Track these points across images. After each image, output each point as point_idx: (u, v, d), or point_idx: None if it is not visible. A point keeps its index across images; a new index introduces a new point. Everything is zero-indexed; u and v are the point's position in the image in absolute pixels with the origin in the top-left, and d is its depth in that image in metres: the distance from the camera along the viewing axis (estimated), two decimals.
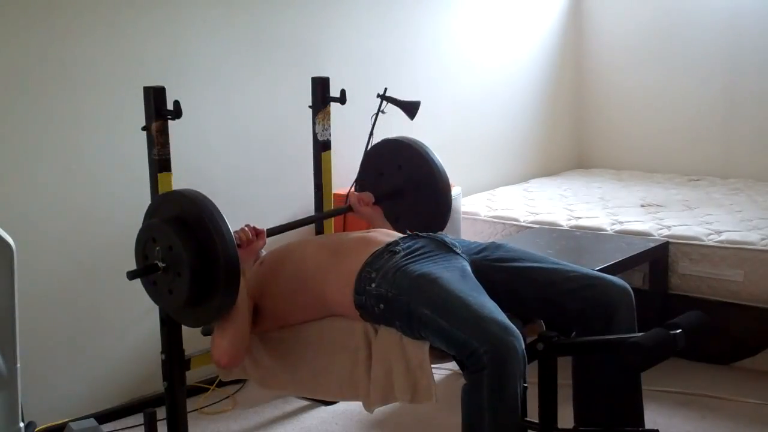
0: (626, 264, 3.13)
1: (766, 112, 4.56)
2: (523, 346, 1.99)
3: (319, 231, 3.02)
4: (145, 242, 2.27)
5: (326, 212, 2.96)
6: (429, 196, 2.80)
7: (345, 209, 2.87)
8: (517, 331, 2.00)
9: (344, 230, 3.18)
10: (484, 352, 1.95)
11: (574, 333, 2.28)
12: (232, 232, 2.19)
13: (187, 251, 2.14)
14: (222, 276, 2.14)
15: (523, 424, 2.05)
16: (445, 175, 2.82)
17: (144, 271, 2.25)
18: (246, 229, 2.41)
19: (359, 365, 2.25)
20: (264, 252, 2.53)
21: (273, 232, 2.58)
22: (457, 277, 2.16)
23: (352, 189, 2.96)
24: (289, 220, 2.86)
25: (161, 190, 2.39)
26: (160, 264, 2.20)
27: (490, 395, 1.96)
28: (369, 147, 2.98)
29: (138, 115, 2.46)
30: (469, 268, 2.26)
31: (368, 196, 2.81)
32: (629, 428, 2.26)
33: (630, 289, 2.29)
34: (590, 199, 4.21)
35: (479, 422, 1.98)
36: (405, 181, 2.83)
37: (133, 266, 2.28)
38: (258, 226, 2.46)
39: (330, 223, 3.02)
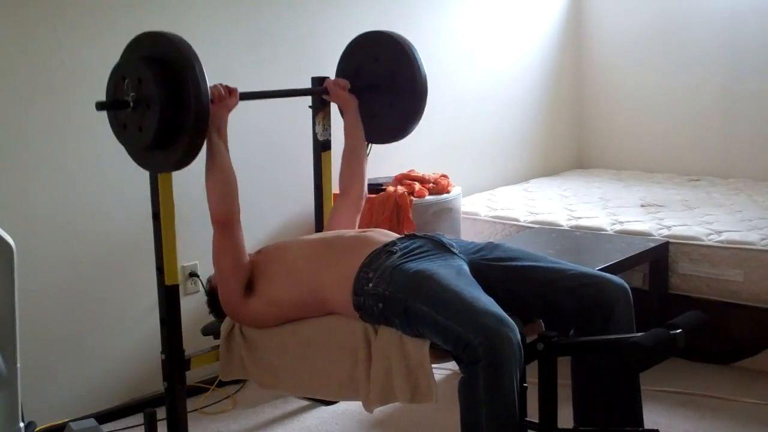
0: (626, 264, 3.13)
1: (766, 112, 4.56)
2: (519, 338, 1.99)
3: (319, 229, 3.01)
4: (116, 82, 2.25)
5: (303, 89, 2.91)
6: (406, 90, 2.80)
7: (320, 90, 2.85)
8: (512, 323, 2.00)
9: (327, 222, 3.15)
10: (479, 343, 1.96)
11: (572, 332, 2.28)
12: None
13: (157, 84, 2.13)
14: (192, 112, 2.14)
15: (523, 423, 2.05)
16: (423, 68, 2.80)
17: (113, 104, 2.24)
18: (218, 85, 2.41)
19: (359, 365, 2.25)
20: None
21: (245, 96, 2.54)
22: (453, 274, 2.17)
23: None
24: (289, 220, 2.86)
25: (161, 189, 2.39)
26: (130, 98, 2.18)
27: (487, 387, 1.96)
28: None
29: None
30: (466, 268, 2.27)
31: (344, 82, 2.82)
32: (629, 428, 2.26)
33: (628, 287, 2.29)
34: (590, 199, 4.22)
35: (477, 415, 1.98)
36: (383, 76, 2.83)
37: (133, 266, 2.29)
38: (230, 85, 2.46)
39: (329, 213, 2.98)
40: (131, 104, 2.21)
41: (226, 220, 2.37)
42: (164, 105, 2.15)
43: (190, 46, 2.20)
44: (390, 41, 2.84)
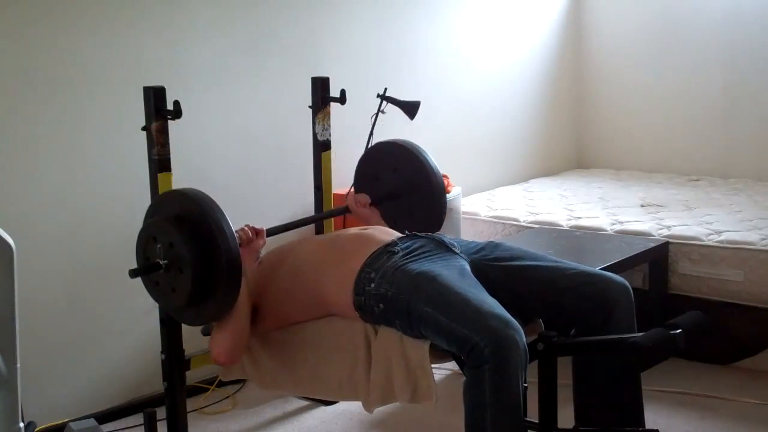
0: (626, 264, 3.13)
1: (766, 112, 4.56)
2: (525, 340, 1.99)
3: (319, 231, 3.02)
4: (145, 242, 2.27)
5: (325, 213, 2.97)
6: (424, 198, 2.81)
7: (343, 210, 2.88)
8: (518, 325, 1.99)
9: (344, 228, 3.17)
10: (485, 346, 1.95)
11: (573, 331, 2.28)
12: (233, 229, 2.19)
13: (188, 247, 2.14)
14: (224, 273, 2.15)
15: (525, 427, 2.05)
16: (440, 175, 2.83)
17: (146, 269, 2.25)
18: (246, 228, 2.42)
19: (359, 365, 2.25)
20: (264, 252, 2.53)
21: (272, 231, 2.58)
22: (456, 275, 2.17)
23: (351, 191, 2.97)
24: (289, 220, 2.86)
25: (161, 190, 2.39)
26: (162, 262, 2.20)
27: (492, 389, 1.95)
28: (368, 147, 2.99)
29: (138, 115, 2.47)
30: (468, 267, 2.27)
31: (364, 198, 2.82)
32: (629, 428, 2.26)
33: (629, 286, 2.29)
34: (590, 199, 4.21)
35: (482, 417, 1.98)
36: (400, 184, 2.84)
37: (133, 265, 2.29)
38: (257, 226, 2.46)
39: (330, 223, 3.02)
40: (163, 268, 2.21)
41: (230, 362, 2.33)
42: (197, 267, 2.15)
43: (215, 204, 2.19)
44: (404, 152, 2.85)
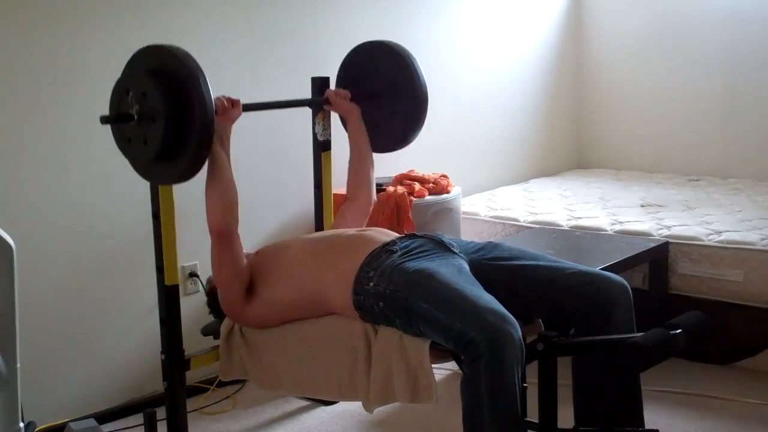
0: (626, 264, 3.13)
1: (766, 112, 4.56)
2: (521, 335, 1.99)
3: (319, 229, 3.01)
4: (119, 96, 2.25)
5: (303, 99, 2.91)
6: (407, 103, 2.80)
7: (322, 100, 2.85)
8: (514, 320, 2.00)
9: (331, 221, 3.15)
10: (480, 340, 1.96)
11: (572, 330, 2.28)
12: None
13: (160, 95, 2.13)
14: (196, 124, 2.14)
15: (523, 422, 2.05)
16: (424, 82, 2.80)
17: (117, 118, 2.23)
18: (221, 97, 2.41)
19: (359, 365, 2.25)
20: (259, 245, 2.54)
21: (247, 107, 2.54)
22: (454, 272, 2.17)
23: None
24: (289, 220, 2.86)
25: (161, 189, 2.39)
26: (133, 111, 2.18)
27: (488, 384, 1.96)
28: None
29: None
30: (466, 267, 2.27)
31: (345, 92, 2.82)
32: (629, 428, 2.26)
33: (628, 285, 2.29)
34: (590, 199, 4.22)
35: (479, 412, 1.98)
36: (383, 85, 2.83)
37: (133, 266, 2.29)
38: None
39: (329, 214, 2.99)
40: (135, 117, 2.20)
41: (225, 231, 2.36)
42: (169, 118, 2.14)
43: (194, 59, 2.19)
44: (389, 51, 2.84)
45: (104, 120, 2.24)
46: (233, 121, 2.45)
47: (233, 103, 2.44)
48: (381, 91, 2.84)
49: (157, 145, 2.17)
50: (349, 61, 2.94)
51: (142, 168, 2.32)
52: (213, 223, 2.35)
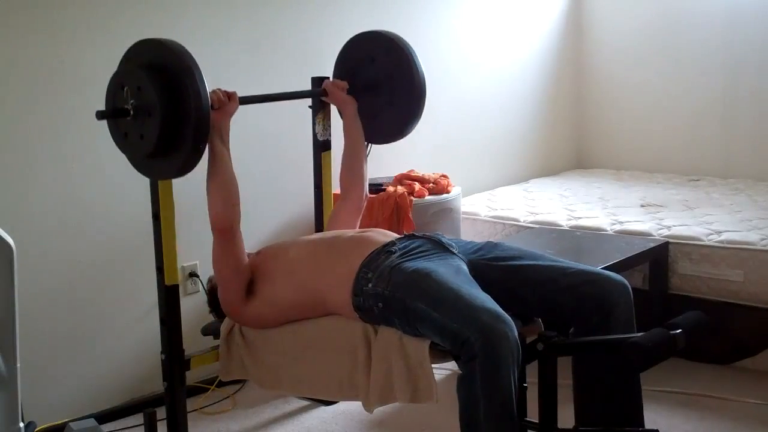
0: (626, 264, 3.13)
1: (766, 112, 4.56)
2: (516, 334, 1.99)
3: (319, 229, 3.01)
4: (114, 91, 2.24)
5: (295, 91, 2.90)
6: (405, 95, 2.80)
7: (319, 91, 2.85)
8: (509, 319, 2.00)
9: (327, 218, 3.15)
10: (475, 340, 1.96)
11: (572, 330, 2.28)
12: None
13: (156, 89, 2.12)
14: (192, 118, 2.13)
15: (523, 422, 2.05)
16: (423, 73, 2.80)
17: (113, 113, 2.23)
18: (218, 91, 2.40)
19: (359, 365, 2.25)
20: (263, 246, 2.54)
21: (244, 100, 2.53)
22: (452, 272, 2.18)
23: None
24: (289, 220, 2.86)
25: (161, 189, 2.39)
26: (129, 106, 2.17)
27: (484, 383, 1.96)
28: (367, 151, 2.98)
29: None
30: (465, 267, 2.27)
31: (342, 83, 2.82)
32: (629, 428, 2.26)
33: (628, 285, 2.29)
34: (590, 199, 4.21)
35: (474, 411, 1.98)
36: (381, 77, 2.83)
37: (133, 266, 2.29)
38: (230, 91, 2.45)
39: (329, 204, 2.99)
40: (131, 112, 2.20)
41: (226, 226, 2.36)
42: (165, 111, 2.14)
43: (189, 53, 2.19)
44: (387, 41, 2.83)
45: (100, 115, 2.24)
46: (231, 115, 2.44)
47: (230, 96, 2.43)
48: (378, 81, 2.83)
49: (154, 139, 2.16)
50: (346, 51, 2.94)
51: (139, 163, 2.31)
52: (214, 219, 2.35)
